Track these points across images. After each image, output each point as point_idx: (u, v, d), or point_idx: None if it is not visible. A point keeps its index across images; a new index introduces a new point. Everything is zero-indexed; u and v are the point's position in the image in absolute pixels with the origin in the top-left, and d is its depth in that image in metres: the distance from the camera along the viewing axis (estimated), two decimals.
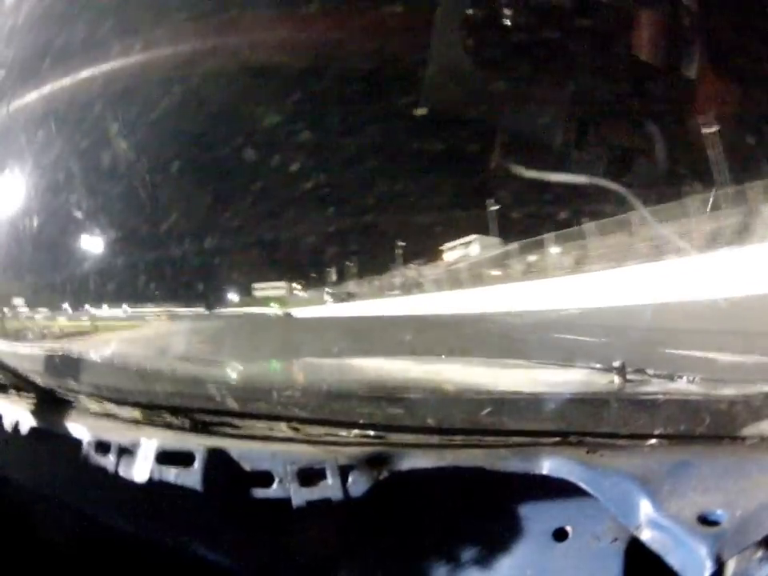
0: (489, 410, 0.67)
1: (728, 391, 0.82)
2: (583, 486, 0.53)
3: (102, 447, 0.70)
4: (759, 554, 0.44)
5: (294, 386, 0.94)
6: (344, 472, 0.59)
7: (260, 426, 0.71)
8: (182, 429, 0.73)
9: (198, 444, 0.65)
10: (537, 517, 0.55)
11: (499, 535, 0.55)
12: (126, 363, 1.13)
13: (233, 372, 1.44)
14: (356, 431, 0.67)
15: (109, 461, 0.68)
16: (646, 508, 0.49)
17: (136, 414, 0.78)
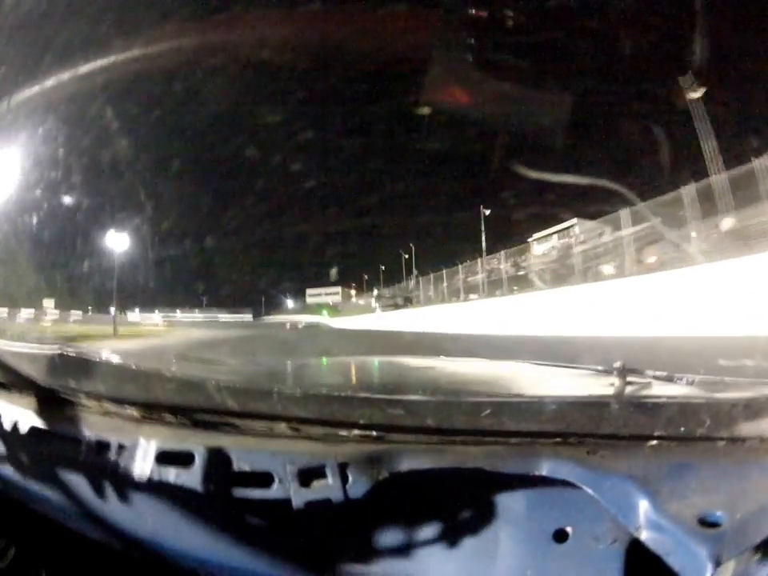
0: (489, 410, 0.67)
1: (728, 393, 0.82)
2: (583, 487, 0.53)
3: (102, 446, 0.70)
4: (759, 555, 0.44)
5: (294, 385, 0.94)
6: (344, 472, 0.59)
7: (260, 426, 0.71)
8: (181, 428, 0.73)
9: (197, 444, 0.65)
10: (537, 518, 0.55)
11: (499, 536, 0.55)
12: (125, 362, 1.13)
13: (233, 371, 1.44)
14: (356, 431, 0.67)
15: (108, 460, 0.68)
16: (646, 509, 0.49)
17: (135, 413, 0.78)
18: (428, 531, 0.56)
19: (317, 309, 63.43)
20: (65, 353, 1.07)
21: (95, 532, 0.69)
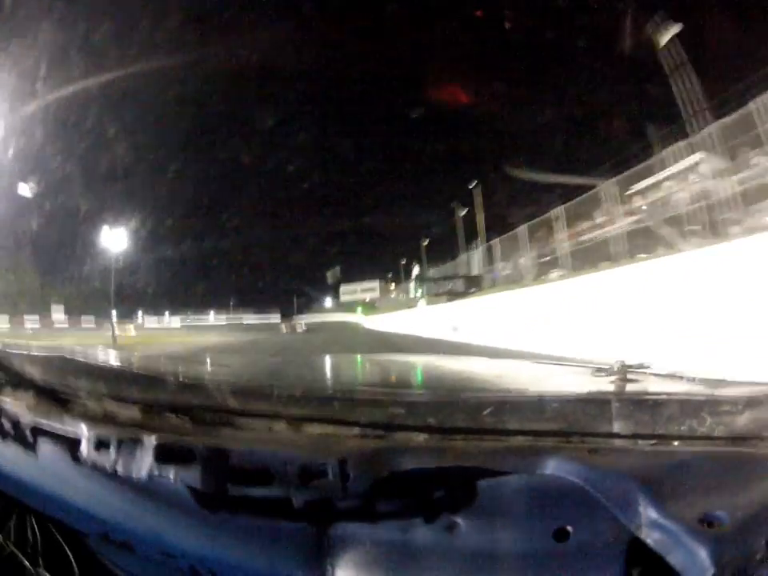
0: (490, 409, 0.67)
1: (729, 391, 0.82)
2: (584, 486, 0.53)
3: (102, 446, 0.70)
4: (760, 555, 0.44)
5: (294, 384, 0.94)
6: (344, 471, 0.58)
7: (260, 425, 0.71)
8: (181, 427, 0.73)
9: (197, 442, 0.65)
10: (537, 516, 0.55)
11: (500, 535, 0.55)
12: (126, 362, 1.13)
13: (233, 371, 1.44)
14: (356, 430, 0.67)
15: (108, 459, 0.68)
16: (647, 508, 0.49)
17: (136, 412, 0.78)
18: (429, 530, 0.56)
19: (352, 307, 58.63)
20: (65, 352, 1.08)
21: (95, 530, 0.69)
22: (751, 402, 0.67)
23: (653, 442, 0.60)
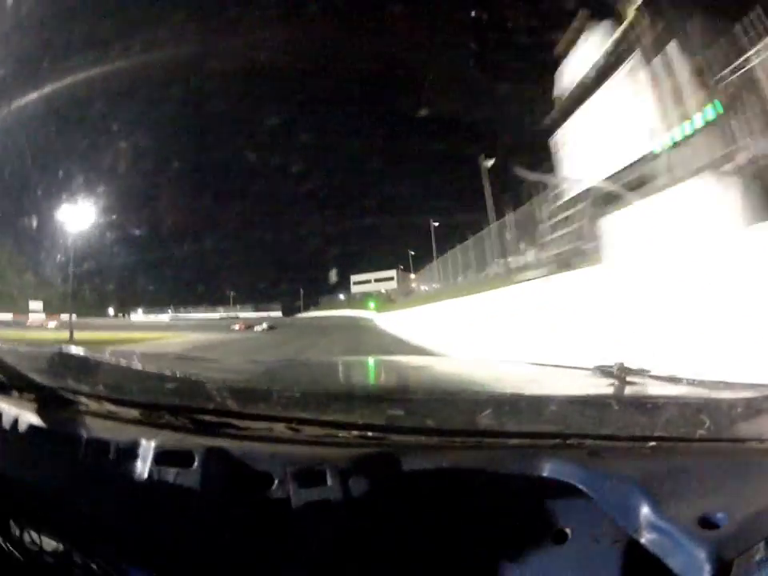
0: (489, 411, 0.67)
1: (727, 393, 0.82)
2: (583, 488, 0.53)
3: (101, 447, 0.70)
4: (759, 556, 0.44)
5: (294, 386, 0.94)
6: (344, 473, 0.59)
7: (259, 427, 0.71)
8: (181, 429, 0.73)
9: (197, 444, 0.65)
10: (536, 519, 0.55)
11: (499, 537, 0.55)
12: (126, 363, 1.13)
13: (233, 372, 1.44)
14: (356, 432, 0.67)
15: (108, 461, 0.68)
16: (645, 510, 0.49)
17: (135, 413, 0.78)
18: (428, 533, 0.56)
19: (364, 300, 50.26)
20: (65, 352, 1.08)
21: (95, 532, 0.69)
22: (750, 405, 0.67)
23: (652, 444, 0.60)
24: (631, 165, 9.88)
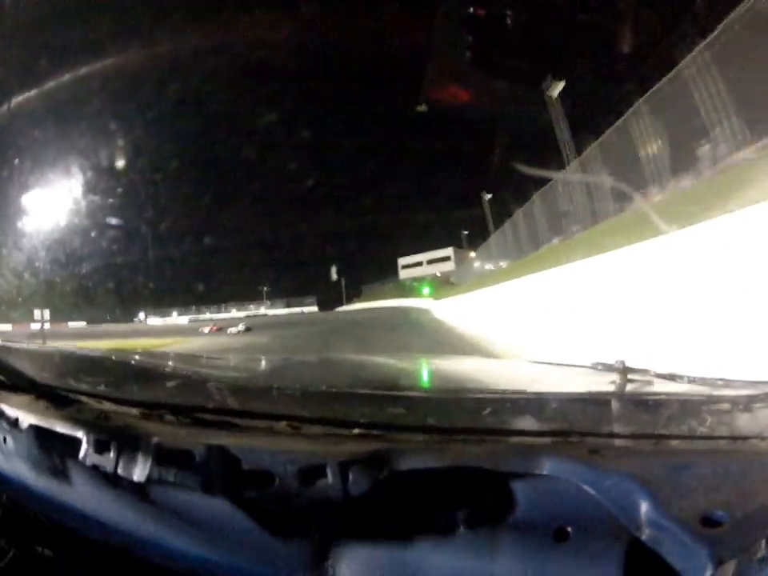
0: (490, 409, 0.67)
1: (729, 391, 0.82)
2: (584, 486, 0.53)
3: (102, 446, 0.70)
4: (760, 554, 0.44)
5: (295, 385, 0.94)
6: (344, 471, 0.58)
7: (260, 425, 0.71)
8: (181, 427, 0.73)
9: (197, 443, 0.65)
10: (537, 517, 0.55)
11: (499, 535, 0.55)
12: (126, 362, 1.13)
13: (233, 370, 1.44)
14: (357, 430, 0.67)
15: (108, 460, 0.68)
16: (647, 508, 0.49)
17: (135, 412, 0.78)
18: (428, 530, 0.56)
19: (417, 286, 42.19)
20: (65, 352, 1.08)
21: (95, 532, 0.69)
22: (751, 402, 0.67)
23: (653, 441, 0.60)
24: None
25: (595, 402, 0.74)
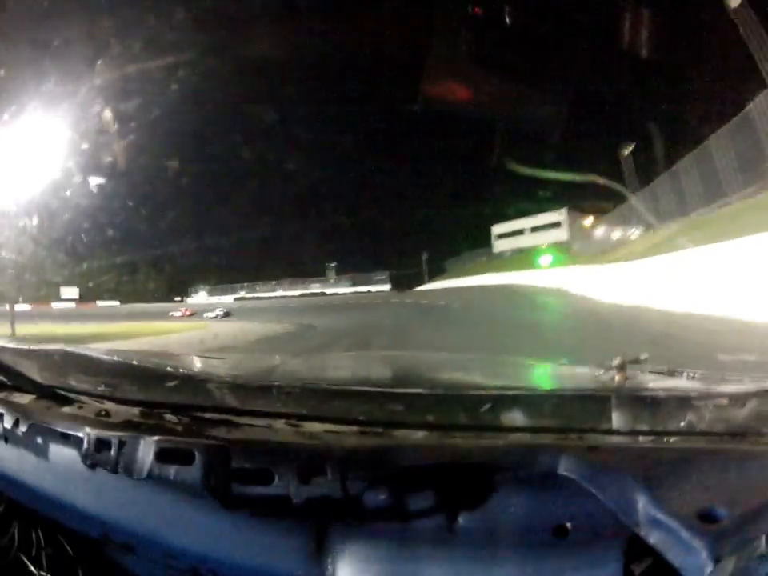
0: (489, 406, 0.67)
1: (729, 387, 0.82)
2: (583, 482, 0.53)
3: (102, 445, 0.70)
4: (760, 551, 0.44)
5: (294, 382, 0.94)
6: (344, 468, 0.59)
7: (260, 423, 0.71)
8: (181, 426, 0.73)
9: (197, 442, 0.65)
10: (536, 514, 0.55)
11: (499, 532, 0.55)
12: (125, 360, 1.13)
13: (232, 369, 1.44)
14: (356, 427, 0.67)
15: (108, 459, 0.68)
16: (646, 505, 0.49)
17: (135, 411, 0.78)
18: (428, 527, 0.56)
19: (516, 259, 31.52)
20: (65, 351, 1.08)
21: (95, 531, 0.70)
22: (750, 398, 0.67)
23: (652, 438, 0.60)
24: None
25: (594, 399, 0.74)
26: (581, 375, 1.10)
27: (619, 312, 9.82)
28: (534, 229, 35.80)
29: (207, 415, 0.73)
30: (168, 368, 1.09)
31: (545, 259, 26.45)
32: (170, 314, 29.52)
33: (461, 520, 0.56)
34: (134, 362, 1.11)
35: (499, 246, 39.66)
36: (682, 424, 0.62)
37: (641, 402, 0.71)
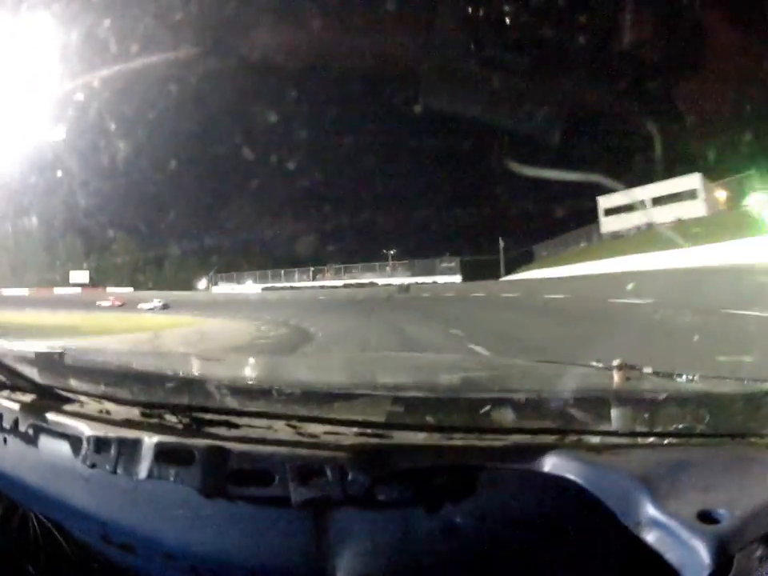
0: (488, 407, 0.68)
1: (727, 389, 0.83)
2: (583, 484, 0.53)
3: (102, 445, 0.70)
4: (759, 551, 0.44)
5: (294, 384, 0.94)
6: (343, 470, 0.59)
7: (259, 425, 0.71)
8: (181, 427, 0.73)
9: (197, 442, 0.65)
10: (537, 514, 0.55)
11: (499, 533, 0.55)
12: (125, 361, 1.14)
13: (232, 370, 1.44)
14: (355, 429, 0.67)
15: (108, 459, 0.68)
16: (646, 506, 0.49)
17: (136, 412, 0.78)
18: (428, 528, 0.56)
19: (641, 240, 20.91)
20: (65, 352, 1.07)
21: (95, 531, 0.70)
22: (749, 400, 0.67)
23: (652, 439, 0.61)
24: None
25: (594, 400, 0.74)
26: (581, 377, 1.11)
27: None
28: (657, 200, 26.52)
29: (207, 416, 0.73)
30: (168, 369, 1.10)
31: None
32: (97, 303, 26.74)
33: (460, 521, 0.56)
34: (134, 363, 1.11)
35: (608, 225, 30.03)
36: (682, 426, 0.62)
37: (641, 403, 0.71)
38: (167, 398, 0.81)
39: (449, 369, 1.49)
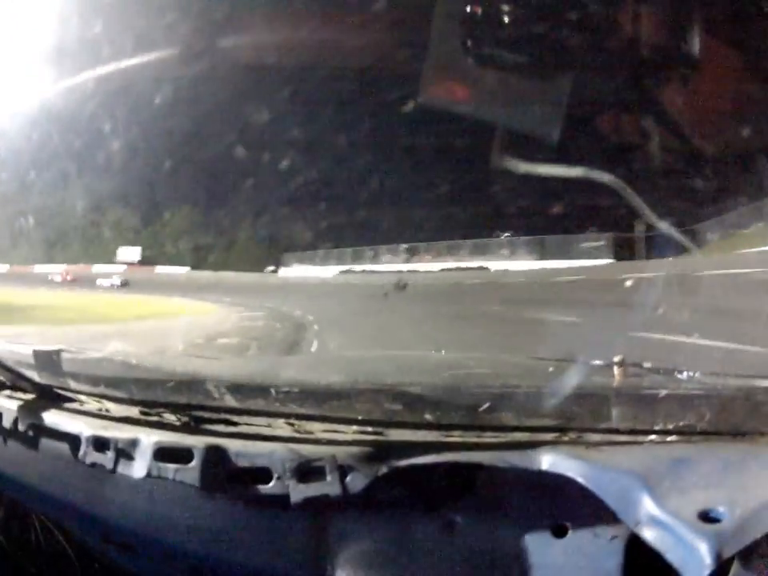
0: (487, 405, 0.67)
1: (729, 386, 0.82)
2: (582, 482, 0.53)
3: (101, 444, 0.70)
4: (760, 551, 0.44)
5: (293, 382, 0.94)
6: (342, 468, 0.59)
7: (258, 423, 0.71)
8: (180, 426, 0.73)
9: (196, 441, 0.65)
10: (535, 513, 0.55)
11: (498, 532, 0.55)
12: (124, 360, 1.13)
13: (231, 368, 1.44)
14: (354, 427, 0.67)
15: (107, 458, 0.68)
16: (645, 504, 0.49)
17: (134, 410, 0.78)
18: (427, 527, 0.56)
19: None
20: (63, 350, 1.07)
21: (95, 530, 0.69)
22: (750, 397, 0.67)
23: (652, 437, 0.60)
24: None
25: (594, 397, 0.74)
26: (581, 374, 1.10)
27: None
28: None
29: (206, 415, 0.73)
30: (167, 367, 1.09)
31: None
32: (49, 277, 24.15)
33: (460, 520, 0.56)
34: (133, 362, 1.11)
35: None
36: (682, 423, 0.62)
37: (640, 400, 0.71)
38: (166, 396, 0.81)
39: (448, 366, 1.49)
